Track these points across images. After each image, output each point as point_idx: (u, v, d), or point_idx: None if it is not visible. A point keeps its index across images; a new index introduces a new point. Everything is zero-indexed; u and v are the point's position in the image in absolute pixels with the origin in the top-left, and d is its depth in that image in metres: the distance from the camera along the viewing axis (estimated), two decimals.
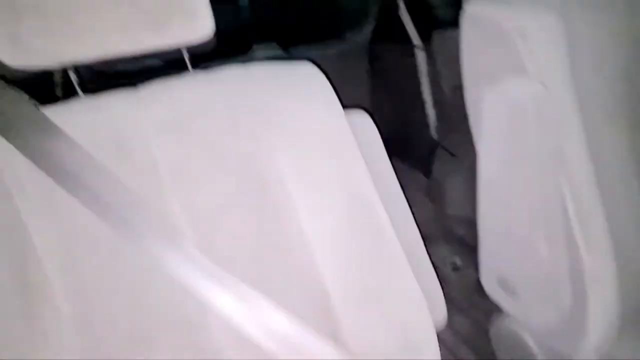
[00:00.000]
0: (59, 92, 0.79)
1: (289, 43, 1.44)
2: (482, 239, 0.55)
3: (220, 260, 0.40)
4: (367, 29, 1.43)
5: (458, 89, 1.15)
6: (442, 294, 0.47)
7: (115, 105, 0.42)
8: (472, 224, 0.62)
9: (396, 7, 1.26)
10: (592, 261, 0.47)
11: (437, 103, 1.34)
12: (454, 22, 1.20)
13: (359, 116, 0.51)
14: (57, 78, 0.76)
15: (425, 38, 1.24)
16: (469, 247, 0.57)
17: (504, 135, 0.49)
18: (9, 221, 0.36)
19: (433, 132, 1.27)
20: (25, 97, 0.40)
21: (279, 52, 1.44)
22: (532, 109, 0.45)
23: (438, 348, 0.43)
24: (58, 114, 0.39)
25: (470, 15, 0.53)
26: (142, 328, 0.38)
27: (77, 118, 0.40)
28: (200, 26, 0.43)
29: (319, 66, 0.49)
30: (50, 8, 0.39)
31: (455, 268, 1.04)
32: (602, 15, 0.49)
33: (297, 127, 0.45)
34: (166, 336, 0.39)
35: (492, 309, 0.63)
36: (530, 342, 0.57)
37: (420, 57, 1.28)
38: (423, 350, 0.43)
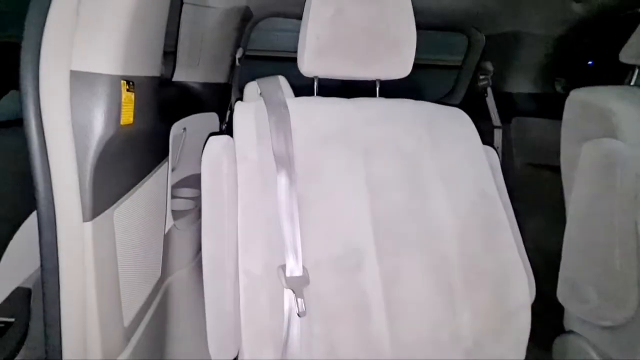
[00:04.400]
0: None
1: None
2: (564, 258, 0.71)
3: (381, 211, 0.60)
4: (454, 103, 1.71)
5: (529, 165, 1.35)
6: (532, 273, 0.63)
7: (342, 103, 0.66)
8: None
9: (484, 92, 1.54)
10: None
11: (506, 174, 1.54)
12: (530, 113, 1.44)
13: (489, 149, 0.72)
14: None
15: (504, 120, 1.49)
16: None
17: (595, 180, 0.68)
18: None
19: None
20: None
21: None
22: (620, 162, 0.64)
23: (530, 313, 0.58)
24: (307, 102, 0.64)
25: (574, 98, 0.75)
26: None
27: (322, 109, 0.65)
28: (403, 65, 0.68)
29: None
30: None
31: None
32: None
33: (449, 143, 0.66)
34: None
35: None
36: (594, 356, 0.68)
37: (498, 135, 1.52)
38: (520, 314, 0.58)
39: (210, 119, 1.11)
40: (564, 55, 1.35)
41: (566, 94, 1.46)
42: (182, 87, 1.04)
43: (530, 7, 1.18)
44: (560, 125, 1.24)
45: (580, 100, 0.73)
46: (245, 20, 1.17)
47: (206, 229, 0.53)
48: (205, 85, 1.10)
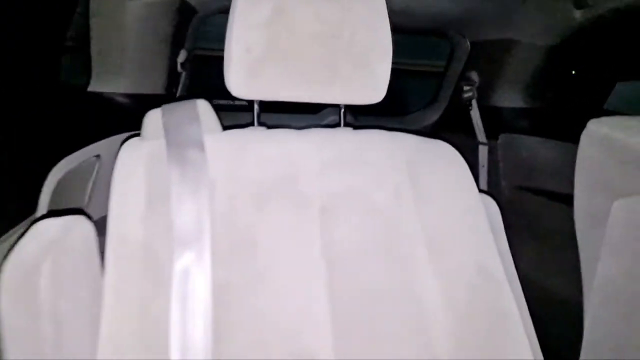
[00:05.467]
0: None
1: (358, 110, 1.58)
2: (587, 329, 0.55)
3: (345, 296, 0.42)
4: (434, 115, 1.56)
5: (522, 189, 1.22)
6: None
7: (291, 140, 0.48)
8: None
9: (468, 105, 1.39)
10: None
11: (492, 197, 1.41)
12: (520, 130, 1.31)
13: (487, 199, 0.55)
14: None
15: (491, 137, 1.35)
16: None
17: (631, 244, 0.52)
18: None
19: None
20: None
21: (350, 118, 1.58)
22: None
23: None
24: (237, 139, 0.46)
25: (596, 133, 0.60)
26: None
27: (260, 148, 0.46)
28: (375, 89, 0.50)
29: None
30: None
31: None
32: None
33: (437, 196, 0.50)
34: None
35: None
36: None
37: (483, 153, 1.38)
38: None
39: None
40: (558, 66, 1.21)
41: (559, 109, 1.33)
42: (98, 100, 0.80)
43: (525, 12, 1.02)
44: (555, 146, 1.12)
45: (606, 137, 0.57)
46: (185, 16, 0.94)
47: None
48: (133, 97, 0.86)
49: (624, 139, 0.55)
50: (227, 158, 0.42)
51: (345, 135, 0.50)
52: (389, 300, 0.43)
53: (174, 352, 0.33)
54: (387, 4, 0.48)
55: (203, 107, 0.46)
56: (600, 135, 0.58)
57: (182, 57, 0.99)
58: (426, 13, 1.11)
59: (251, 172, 0.43)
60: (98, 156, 0.69)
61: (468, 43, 1.34)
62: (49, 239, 0.34)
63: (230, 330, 0.37)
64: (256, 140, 0.46)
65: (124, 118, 0.85)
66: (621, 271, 0.53)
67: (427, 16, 1.14)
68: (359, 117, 1.50)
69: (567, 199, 0.67)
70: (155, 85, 0.93)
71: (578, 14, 0.97)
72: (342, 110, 0.54)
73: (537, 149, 1.19)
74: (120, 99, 0.85)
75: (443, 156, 0.53)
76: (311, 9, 0.43)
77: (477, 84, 1.35)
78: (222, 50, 0.44)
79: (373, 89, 0.49)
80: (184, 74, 1.03)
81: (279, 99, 0.47)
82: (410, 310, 0.43)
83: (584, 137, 0.61)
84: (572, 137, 0.66)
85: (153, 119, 0.44)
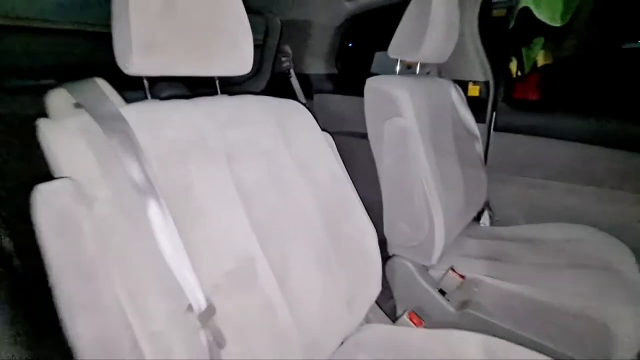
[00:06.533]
0: None
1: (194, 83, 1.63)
2: (385, 207, 0.96)
3: (257, 215, 0.62)
4: (262, 82, 1.79)
5: (335, 134, 1.64)
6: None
7: (189, 108, 0.60)
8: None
9: (288, 73, 1.70)
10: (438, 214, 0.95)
11: None
12: (326, 91, 1.73)
13: (328, 135, 0.82)
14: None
15: (308, 97, 1.72)
16: None
17: (395, 149, 0.93)
18: None
19: None
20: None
21: (185, 90, 1.61)
22: (408, 132, 0.91)
23: (380, 259, 0.77)
24: (146, 110, 0.54)
25: (370, 86, 0.98)
26: None
27: (168, 116, 0.56)
28: (244, 62, 0.67)
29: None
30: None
31: None
32: None
33: (297, 135, 0.72)
34: None
35: None
36: (410, 266, 0.99)
37: None
38: (375, 261, 0.76)
39: None
40: (342, 42, 1.65)
41: (347, 74, 1.82)
42: None
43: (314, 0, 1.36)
44: (351, 99, 1.57)
45: (375, 88, 0.95)
46: None
47: (75, 310, 0.39)
48: None
49: (383, 88, 0.94)
50: (146, 126, 0.51)
51: (227, 102, 0.65)
52: (284, 210, 0.64)
53: (171, 262, 0.46)
54: None
55: (103, 84, 0.52)
56: (374, 88, 0.97)
57: None
58: None
59: (168, 136, 0.53)
60: None
61: (278, 20, 1.61)
62: (61, 185, 0.40)
63: (196, 248, 0.49)
64: (164, 110, 0.55)
65: None
66: (391, 163, 0.96)
67: None
68: (200, 89, 1.56)
69: (365, 135, 1.05)
70: None
71: (348, 5, 1.38)
72: (217, 81, 0.68)
73: (341, 103, 1.64)
74: None
75: (296, 109, 0.76)
76: (195, 2, 0.54)
77: (291, 56, 1.66)
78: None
79: (243, 62, 0.64)
80: None
81: (170, 74, 0.57)
82: (298, 211, 0.66)
83: (366, 91, 0.98)
84: (360, 92, 1.03)
85: (57, 97, 0.47)
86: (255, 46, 0.68)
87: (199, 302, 0.47)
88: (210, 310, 0.48)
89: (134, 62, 0.50)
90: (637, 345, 0.71)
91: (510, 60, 1.83)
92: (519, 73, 1.84)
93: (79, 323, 0.39)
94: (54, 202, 0.39)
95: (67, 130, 0.44)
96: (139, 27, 0.49)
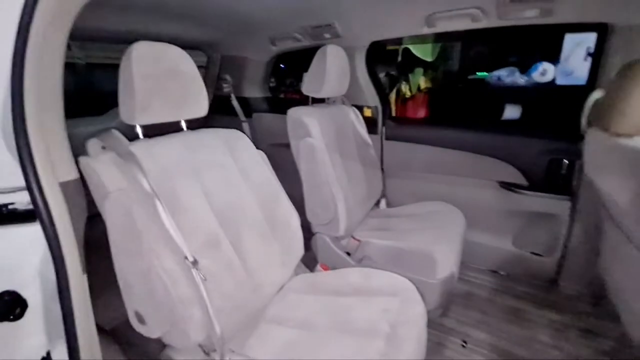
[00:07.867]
0: None
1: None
2: (306, 200, 1.41)
3: (218, 209, 1.02)
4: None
5: (270, 145, 2.05)
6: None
7: (171, 142, 0.97)
8: None
9: (229, 97, 2.07)
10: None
11: None
12: (262, 111, 2.13)
13: (262, 153, 1.23)
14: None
15: (248, 116, 2.11)
16: None
17: (309, 162, 1.38)
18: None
19: None
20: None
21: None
22: (316, 148, 1.35)
23: (301, 230, 1.20)
24: (145, 146, 0.91)
25: (290, 114, 1.40)
26: None
27: (158, 148, 0.93)
28: (202, 108, 1.05)
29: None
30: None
31: None
32: None
33: (241, 153, 1.13)
34: None
35: None
36: (327, 240, 1.44)
37: (246, 127, 2.12)
38: (297, 232, 1.19)
39: None
40: (271, 72, 2.07)
41: (278, 98, 2.24)
42: None
43: (247, 43, 1.76)
44: (279, 118, 1.99)
45: (293, 117, 1.38)
46: None
47: (123, 256, 0.76)
48: None
49: (296, 116, 1.37)
50: (146, 156, 0.85)
51: (194, 135, 1.00)
52: (235, 203, 1.02)
53: (177, 237, 0.81)
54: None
55: (117, 133, 0.86)
56: (292, 117, 1.39)
57: None
58: (192, 39, 1.63)
59: (161, 162, 0.88)
60: None
61: (219, 55, 1.97)
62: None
63: (183, 228, 0.83)
64: (156, 145, 0.91)
65: None
66: (307, 170, 1.39)
67: (193, 41, 1.65)
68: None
69: (288, 145, 1.46)
70: None
71: (274, 48, 1.80)
72: (183, 122, 1.04)
73: (273, 120, 2.05)
74: None
75: (238, 136, 1.14)
76: (171, 62, 0.85)
77: (231, 83, 2.03)
78: None
79: (201, 108, 0.97)
80: None
81: (155, 122, 0.92)
82: (244, 204, 1.05)
83: (287, 119, 1.40)
84: (284, 111, 1.42)
85: (93, 144, 0.81)
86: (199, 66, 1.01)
87: (189, 257, 0.85)
88: (195, 262, 0.86)
89: (136, 117, 0.85)
90: (448, 266, 1.23)
91: (402, 84, 2.42)
92: (409, 93, 2.45)
93: (127, 263, 0.76)
94: (117, 200, 0.75)
95: (104, 162, 0.79)
96: (139, 96, 0.84)
